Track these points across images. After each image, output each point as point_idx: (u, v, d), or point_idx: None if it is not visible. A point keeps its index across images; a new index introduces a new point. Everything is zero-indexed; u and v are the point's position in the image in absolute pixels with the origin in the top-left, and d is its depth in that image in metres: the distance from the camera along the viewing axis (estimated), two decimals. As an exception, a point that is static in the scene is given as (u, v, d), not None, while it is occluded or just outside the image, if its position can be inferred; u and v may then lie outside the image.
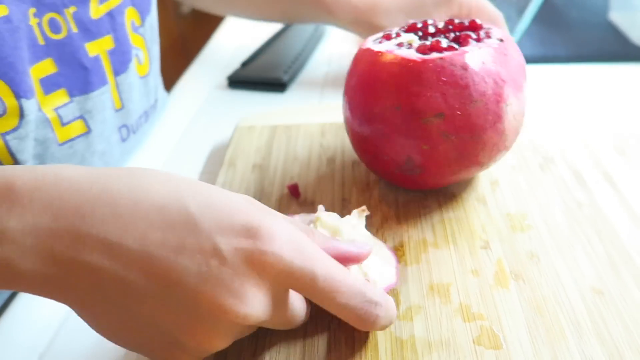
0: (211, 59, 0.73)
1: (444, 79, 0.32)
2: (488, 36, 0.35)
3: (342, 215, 0.36)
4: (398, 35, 0.37)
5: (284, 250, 0.23)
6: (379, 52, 0.35)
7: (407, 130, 0.33)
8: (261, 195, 0.42)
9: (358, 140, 0.37)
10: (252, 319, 0.23)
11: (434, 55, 0.33)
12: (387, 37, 0.37)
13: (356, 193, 0.41)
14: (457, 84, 0.32)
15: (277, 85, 0.63)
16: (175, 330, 0.23)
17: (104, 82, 0.41)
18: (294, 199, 0.41)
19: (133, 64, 0.45)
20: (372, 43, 0.37)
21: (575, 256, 0.34)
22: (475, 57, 0.33)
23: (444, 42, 0.34)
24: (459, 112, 0.32)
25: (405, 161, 0.35)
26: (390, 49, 0.35)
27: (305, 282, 0.24)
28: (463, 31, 0.36)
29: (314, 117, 0.52)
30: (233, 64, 0.68)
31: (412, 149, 0.34)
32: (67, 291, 0.24)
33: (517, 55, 0.35)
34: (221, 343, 0.24)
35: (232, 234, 0.23)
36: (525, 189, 0.40)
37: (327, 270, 0.24)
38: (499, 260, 0.34)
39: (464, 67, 0.32)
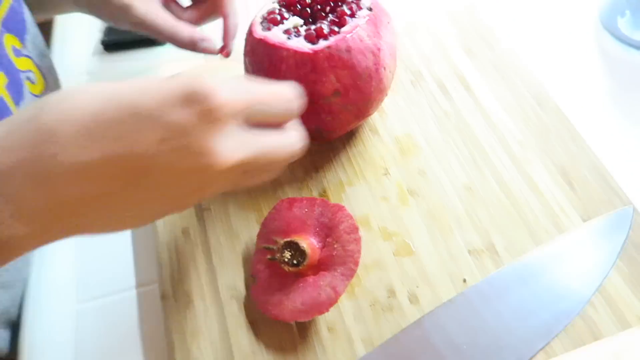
0: (71, 28, 0.69)
1: (334, 64, 0.39)
2: (359, 7, 0.41)
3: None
4: (283, 17, 0.41)
5: (226, 94, 0.25)
6: (274, 45, 0.39)
7: (312, 109, 0.40)
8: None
9: None
10: (234, 158, 0.26)
11: (322, 43, 0.39)
12: (274, 22, 0.41)
13: (275, 151, 0.48)
14: (346, 66, 0.39)
15: (154, 39, 0.63)
16: (183, 197, 0.27)
17: (9, 114, 0.42)
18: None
19: (26, 88, 0.45)
20: (261, 29, 0.41)
21: (449, 162, 0.46)
22: (354, 38, 0.39)
23: (326, 27, 0.39)
24: (350, 88, 0.40)
25: (314, 129, 0.42)
26: (282, 41, 0.39)
27: (255, 104, 0.27)
28: (335, 4, 0.41)
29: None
30: (96, 28, 0.66)
31: (319, 121, 0.41)
32: (70, 225, 0.25)
33: (385, 17, 0.42)
34: (224, 186, 0.28)
35: (178, 108, 0.24)
36: (405, 109, 0.50)
37: (263, 86, 0.29)
38: (398, 183, 0.45)
39: (348, 50, 0.39)
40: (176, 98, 0.24)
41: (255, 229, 0.43)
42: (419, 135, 0.48)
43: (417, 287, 0.39)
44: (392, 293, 0.39)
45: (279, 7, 0.43)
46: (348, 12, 0.41)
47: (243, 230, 0.44)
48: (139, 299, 0.44)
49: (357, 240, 0.37)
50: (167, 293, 0.41)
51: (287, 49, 0.39)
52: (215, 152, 0.25)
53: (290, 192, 0.45)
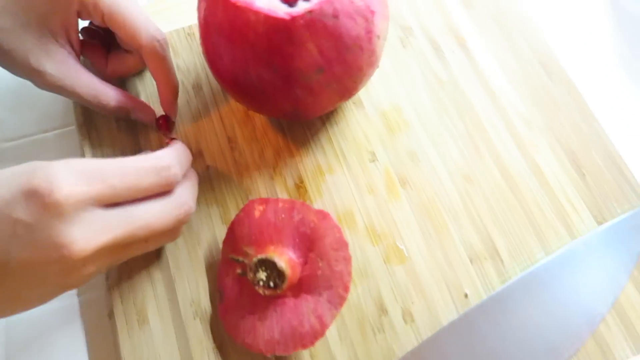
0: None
1: (316, 33, 0.30)
2: None
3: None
4: None
5: (69, 186, 0.24)
6: (238, 5, 0.30)
7: (289, 87, 0.32)
8: (143, 159, 0.40)
9: (234, 93, 0.35)
10: (94, 243, 0.25)
11: (302, 5, 0.30)
12: None
13: (238, 127, 0.40)
14: (331, 36, 0.30)
15: None
16: (50, 289, 0.26)
17: None
18: (179, 154, 0.40)
19: None
20: None
21: (445, 143, 0.39)
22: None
23: None
24: (336, 62, 0.32)
25: (290, 111, 0.35)
26: (252, 2, 0.30)
27: (111, 187, 0.26)
28: None
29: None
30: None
31: (296, 101, 0.33)
32: None
33: None
34: (99, 268, 0.27)
35: (22, 204, 0.24)
36: (392, 75, 0.42)
37: (126, 163, 0.27)
38: (386, 170, 0.38)
39: (335, 15, 0.30)
40: (18, 195, 0.24)
41: (220, 228, 0.37)
42: (409, 108, 0.41)
43: (413, 303, 0.34)
44: (383, 310, 0.34)
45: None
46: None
47: (205, 229, 0.37)
48: (81, 309, 0.37)
49: (347, 260, 0.31)
50: (115, 310, 0.35)
51: (256, 12, 0.30)
52: (68, 242, 0.24)
53: (259, 181, 0.38)
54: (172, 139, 0.36)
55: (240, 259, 0.33)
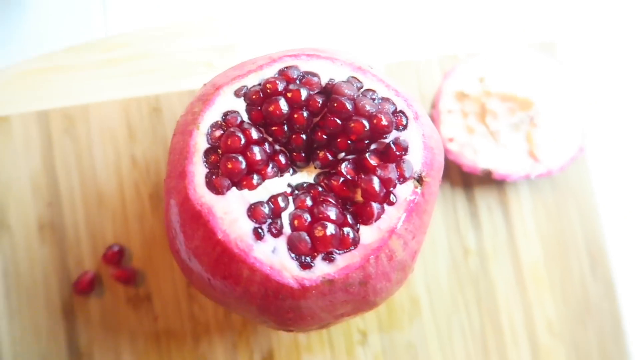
0: None
1: (333, 303, 0.21)
2: (401, 174, 0.22)
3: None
4: (249, 151, 0.21)
5: None
6: (225, 245, 0.20)
7: (282, 328, 0.24)
8: (70, 288, 0.30)
9: (215, 301, 0.26)
10: None
11: (319, 268, 0.20)
12: (230, 149, 0.21)
13: (204, 269, 0.31)
14: (351, 300, 0.22)
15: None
16: None
17: None
18: (122, 286, 0.31)
19: None
20: (204, 171, 0.21)
21: (452, 339, 0.32)
22: (381, 260, 0.21)
23: (332, 212, 0.21)
24: (352, 313, 0.23)
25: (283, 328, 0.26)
26: (245, 245, 0.20)
27: None
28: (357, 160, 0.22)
29: (102, 74, 0.32)
30: None
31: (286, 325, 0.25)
32: None
33: (438, 175, 0.23)
34: None
35: None
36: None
37: None
38: (376, 358, 0.32)
39: (365, 282, 0.21)
40: None
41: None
42: (421, 282, 0.33)
43: None
44: None
45: (243, 120, 0.22)
46: (379, 191, 0.21)
47: (141, 408, 0.30)
48: None
49: None
50: None
51: (251, 268, 0.20)
52: None
53: (219, 347, 0.31)
54: None
55: None
